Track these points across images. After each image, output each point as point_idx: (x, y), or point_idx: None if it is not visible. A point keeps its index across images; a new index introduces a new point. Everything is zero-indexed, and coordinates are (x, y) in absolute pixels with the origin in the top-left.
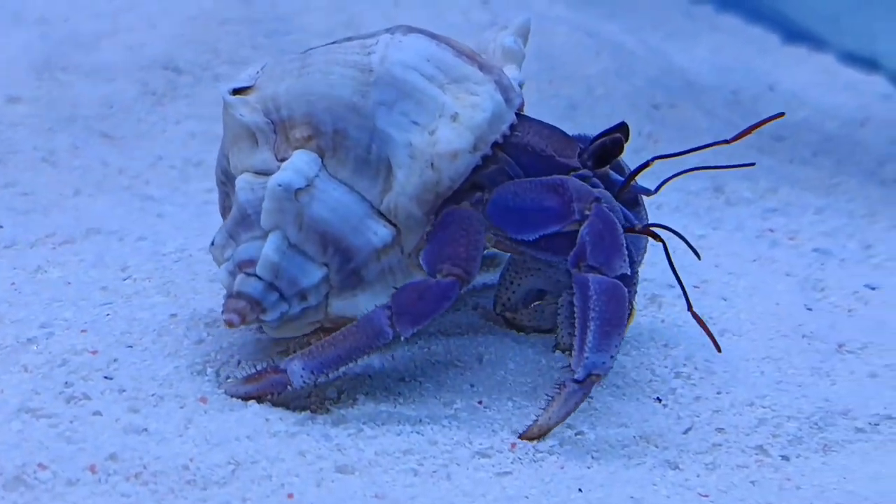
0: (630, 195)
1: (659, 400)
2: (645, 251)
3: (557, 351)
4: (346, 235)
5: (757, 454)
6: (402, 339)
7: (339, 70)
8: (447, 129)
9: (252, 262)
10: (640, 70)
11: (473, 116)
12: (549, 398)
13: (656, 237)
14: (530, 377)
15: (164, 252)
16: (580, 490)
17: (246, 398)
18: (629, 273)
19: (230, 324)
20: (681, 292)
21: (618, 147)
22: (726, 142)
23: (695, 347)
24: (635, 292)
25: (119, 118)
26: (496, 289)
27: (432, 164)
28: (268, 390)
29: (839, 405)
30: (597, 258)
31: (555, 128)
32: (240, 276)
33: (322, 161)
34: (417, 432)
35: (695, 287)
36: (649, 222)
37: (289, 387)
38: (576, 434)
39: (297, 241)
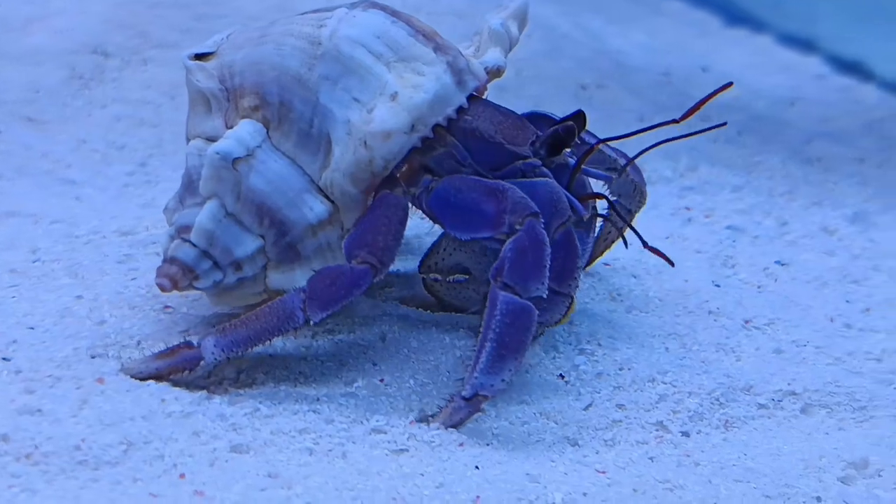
0: (581, 183)
1: (562, 377)
2: (591, 248)
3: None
4: (281, 208)
5: (657, 430)
6: (312, 323)
7: (291, 41)
8: (384, 108)
9: (189, 228)
10: (570, 52)
11: (413, 97)
12: (439, 408)
13: (600, 196)
14: (433, 355)
15: (76, 234)
16: (477, 468)
17: (157, 375)
18: (544, 296)
19: (162, 288)
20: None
21: (570, 135)
22: (675, 121)
23: (599, 325)
24: (576, 287)
25: (45, 102)
26: (429, 250)
27: (365, 142)
28: (179, 366)
29: (742, 381)
30: (513, 276)
31: (511, 114)
32: (175, 242)
33: (267, 132)
34: (314, 411)
35: (605, 265)
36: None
37: (201, 362)
38: None
39: (235, 210)
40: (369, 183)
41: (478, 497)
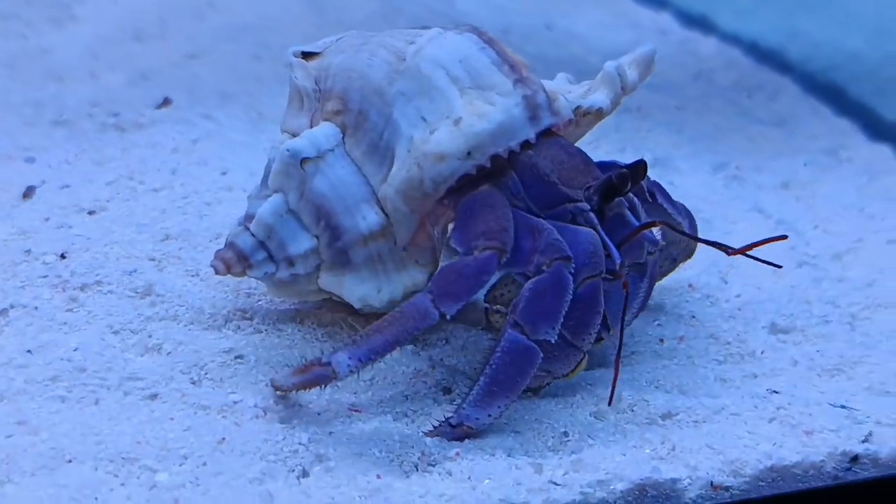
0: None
1: None
2: (641, 308)
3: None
4: (337, 213)
5: None
6: (448, 318)
7: (382, 53)
8: (444, 131)
9: (253, 217)
10: (407, 10)
11: (474, 124)
12: (432, 426)
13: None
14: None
15: None
16: (224, 417)
17: (295, 389)
18: (552, 341)
19: (216, 270)
20: None
21: (624, 184)
22: (727, 252)
23: None
24: (590, 343)
25: None
26: (496, 281)
27: (419, 162)
28: (313, 382)
29: None
30: (525, 316)
31: (579, 155)
32: (239, 228)
33: (343, 137)
34: (68, 360)
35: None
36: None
37: (333, 378)
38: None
39: (296, 207)
40: (420, 203)
41: (223, 439)
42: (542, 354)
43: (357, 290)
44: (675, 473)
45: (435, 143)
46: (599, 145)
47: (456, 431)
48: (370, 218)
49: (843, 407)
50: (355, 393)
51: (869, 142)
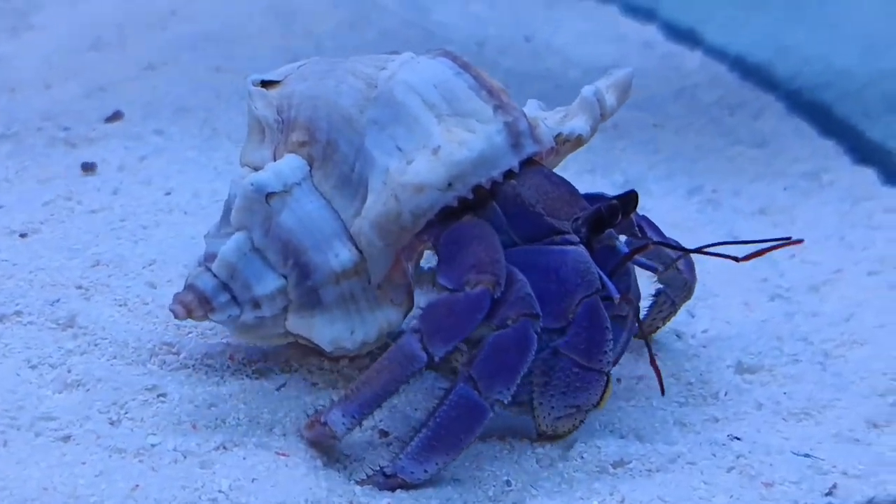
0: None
1: None
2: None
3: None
4: (307, 250)
5: None
6: (437, 360)
7: (350, 80)
8: (422, 161)
9: (214, 256)
10: (377, 22)
11: (454, 153)
12: (366, 475)
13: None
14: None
15: None
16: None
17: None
18: (506, 402)
19: (175, 315)
20: None
21: (613, 216)
22: (736, 259)
23: None
24: (610, 363)
25: None
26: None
27: (396, 194)
28: (320, 442)
29: None
30: (481, 371)
31: (564, 186)
32: (198, 269)
33: (310, 170)
34: None
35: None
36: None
37: (334, 438)
38: None
39: (261, 245)
40: (396, 237)
41: (137, 485)
42: (491, 414)
43: (328, 331)
44: None
45: (413, 173)
46: (567, 165)
47: (389, 482)
48: (342, 254)
49: (806, 455)
50: (284, 434)
51: (853, 164)
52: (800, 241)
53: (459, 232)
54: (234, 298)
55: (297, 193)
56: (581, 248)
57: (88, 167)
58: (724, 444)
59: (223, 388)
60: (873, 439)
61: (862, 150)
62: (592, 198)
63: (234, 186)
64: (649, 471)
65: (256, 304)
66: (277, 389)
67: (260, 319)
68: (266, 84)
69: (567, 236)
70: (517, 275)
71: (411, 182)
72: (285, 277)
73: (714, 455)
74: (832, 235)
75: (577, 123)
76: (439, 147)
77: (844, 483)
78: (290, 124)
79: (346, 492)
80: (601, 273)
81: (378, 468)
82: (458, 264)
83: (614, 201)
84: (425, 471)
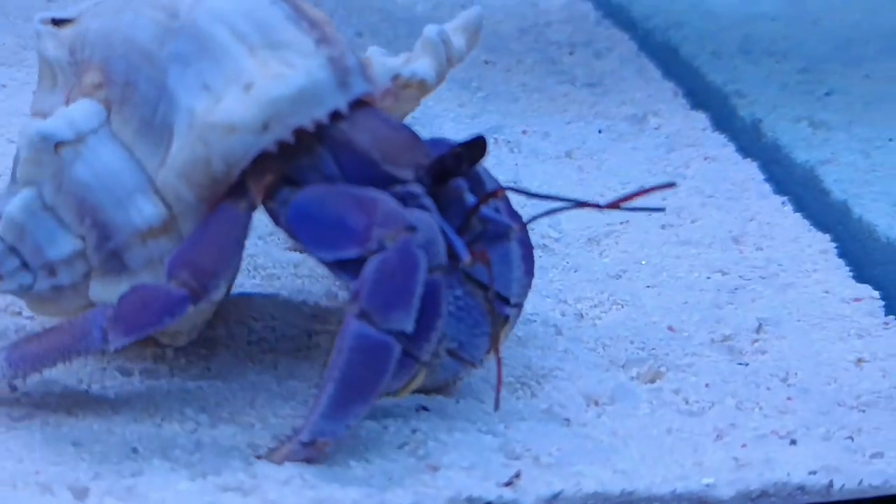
0: (492, 228)
1: None
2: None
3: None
4: (105, 207)
5: None
6: (112, 350)
7: (148, 12)
8: (233, 99)
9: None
10: None
11: (270, 90)
12: (268, 448)
13: (485, 262)
14: None
15: None
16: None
17: None
18: (409, 331)
19: None
20: None
21: (458, 164)
22: (599, 207)
23: None
24: (429, 353)
25: None
26: None
27: (204, 137)
28: None
29: None
30: (372, 301)
31: (402, 129)
32: None
33: (108, 116)
34: None
35: None
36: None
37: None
38: None
39: (54, 202)
40: (209, 189)
41: None
42: (399, 347)
43: None
44: None
45: (223, 112)
46: None
47: (309, 449)
48: (147, 210)
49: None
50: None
51: (687, 109)
52: (672, 185)
53: (217, 218)
54: (24, 264)
55: (92, 142)
56: (427, 216)
57: None
58: (407, 419)
59: None
60: (589, 419)
61: (701, 94)
62: (433, 143)
63: (21, 137)
64: None
65: (51, 271)
66: None
67: (57, 289)
68: (57, 23)
69: (410, 187)
70: (374, 193)
71: (220, 122)
72: (83, 239)
73: (386, 428)
74: (633, 182)
75: (421, 66)
76: (252, 83)
77: (531, 472)
78: (85, 65)
79: None
80: (450, 232)
81: (286, 437)
82: (186, 250)
83: (458, 148)
84: (346, 425)
